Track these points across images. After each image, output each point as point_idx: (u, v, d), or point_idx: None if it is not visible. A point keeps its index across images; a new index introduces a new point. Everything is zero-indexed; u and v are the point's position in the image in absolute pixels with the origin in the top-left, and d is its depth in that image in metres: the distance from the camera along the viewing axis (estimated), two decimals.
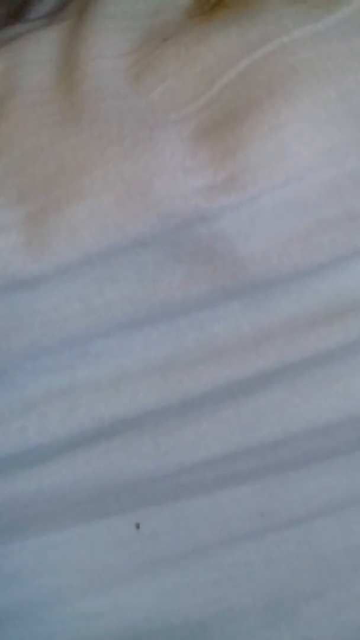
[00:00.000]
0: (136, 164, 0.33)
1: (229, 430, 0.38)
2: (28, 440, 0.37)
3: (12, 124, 0.38)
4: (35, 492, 0.39)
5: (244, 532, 0.41)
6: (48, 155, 0.35)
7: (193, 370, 0.36)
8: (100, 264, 0.34)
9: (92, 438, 0.37)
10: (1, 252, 0.34)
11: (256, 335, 0.37)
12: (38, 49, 0.41)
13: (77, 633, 0.43)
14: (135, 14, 0.42)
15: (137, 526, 0.41)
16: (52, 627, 0.43)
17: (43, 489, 0.39)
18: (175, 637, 0.42)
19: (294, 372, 0.38)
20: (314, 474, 0.39)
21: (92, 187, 0.33)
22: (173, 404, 0.37)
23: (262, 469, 0.39)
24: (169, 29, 0.39)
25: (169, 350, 0.36)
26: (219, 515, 0.41)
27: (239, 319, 0.36)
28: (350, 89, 0.32)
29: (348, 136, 0.32)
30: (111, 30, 0.41)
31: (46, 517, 0.41)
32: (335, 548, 0.40)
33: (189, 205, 0.33)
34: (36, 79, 0.40)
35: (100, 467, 0.38)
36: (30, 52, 0.41)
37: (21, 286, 0.34)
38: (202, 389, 0.37)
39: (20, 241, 0.34)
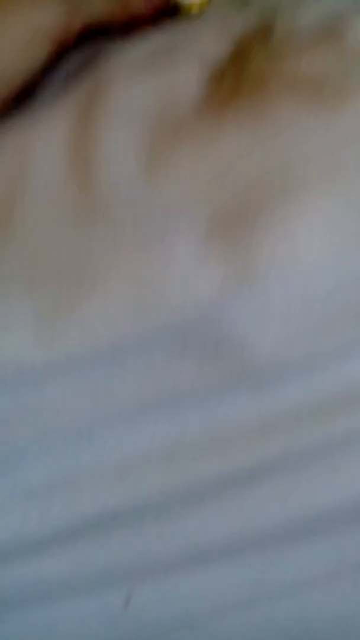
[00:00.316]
0: (149, 267, 0.34)
1: (230, 519, 0.39)
2: (29, 529, 0.37)
3: (25, 219, 0.38)
4: (31, 579, 0.39)
5: (235, 600, 0.42)
6: (62, 251, 0.36)
7: (197, 460, 0.37)
8: (110, 358, 0.35)
9: (94, 527, 0.38)
10: (12, 343, 0.34)
11: (261, 424, 0.38)
12: (48, 146, 0.41)
13: None
14: (143, 107, 0.43)
15: (128, 600, 0.41)
16: None
17: (40, 575, 0.39)
18: None
19: (297, 462, 0.39)
20: (310, 545, 0.40)
21: (105, 285, 0.34)
22: (176, 493, 0.37)
23: (259, 542, 0.40)
24: (181, 126, 0.40)
25: (173, 441, 0.37)
26: (213, 586, 0.41)
27: (245, 409, 0.37)
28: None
29: (356, 236, 0.34)
30: (122, 126, 0.42)
31: (37, 597, 0.41)
32: (326, 617, 0.41)
33: (199, 307, 0.34)
34: (48, 176, 0.41)
35: (100, 555, 0.38)
36: (40, 148, 0.41)
37: (30, 377, 0.35)
38: (205, 479, 0.38)
39: (31, 333, 0.34)
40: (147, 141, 0.40)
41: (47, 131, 0.42)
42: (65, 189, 0.39)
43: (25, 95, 0.44)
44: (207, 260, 0.34)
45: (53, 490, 0.37)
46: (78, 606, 0.41)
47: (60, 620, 0.42)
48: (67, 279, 0.35)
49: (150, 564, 0.40)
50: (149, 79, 0.44)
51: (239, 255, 0.33)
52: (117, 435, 0.37)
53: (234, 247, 0.33)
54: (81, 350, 0.34)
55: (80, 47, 0.47)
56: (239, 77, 0.40)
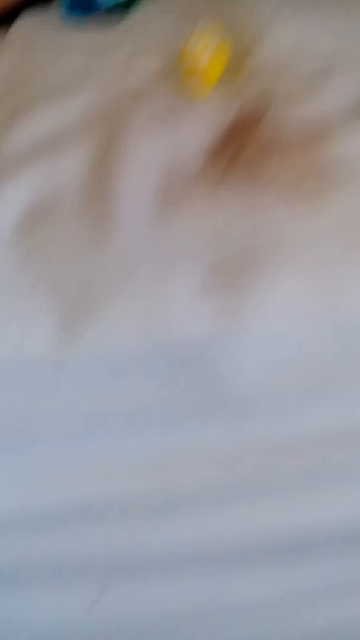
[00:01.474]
0: (154, 294, 0.39)
1: (198, 530, 0.44)
2: (29, 506, 0.42)
3: (49, 236, 0.44)
4: (20, 558, 0.44)
5: (189, 613, 0.46)
6: (80, 267, 0.41)
7: (177, 471, 0.42)
8: (117, 366, 0.39)
9: (86, 514, 0.43)
10: (37, 340, 0.39)
11: (233, 450, 0.43)
12: (72, 175, 0.48)
13: None
14: (157, 151, 0.50)
15: (101, 593, 0.45)
16: None
17: (29, 555, 0.44)
18: None
19: (262, 488, 0.43)
20: (262, 570, 0.45)
21: (118, 302, 0.39)
22: (157, 496, 0.43)
23: (220, 558, 0.45)
24: (189, 182, 0.46)
25: (158, 450, 0.42)
26: (173, 594, 0.46)
27: (221, 434, 0.42)
28: (325, 260, 0.40)
29: (325, 295, 0.39)
30: (137, 163, 0.49)
31: (19, 579, 0.45)
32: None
33: (192, 339, 0.39)
34: (71, 202, 0.47)
35: (86, 542, 0.43)
36: (65, 177, 0.48)
37: (49, 371, 0.39)
38: (183, 489, 0.43)
39: (54, 333, 0.39)
40: (160, 188, 0.47)
41: (72, 162, 0.49)
42: (86, 210, 0.45)
43: None
44: (202, 302, 0.39)
45: (54, 474, 0.42)
46: (54, 596, 0.46)
47: (34, 608, 0.46)
48: (85, 290, 0.40)
49: (126, 560, 0.45)
50: (162, 133, 0.52)
51: (229, 302, 0.38)
52: (114, 435, 0.42)
53: (226, 295, 0.39)
54: (95, 352, 0.39)
55: None
56: (233, 160, 0.46)
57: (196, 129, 0.51)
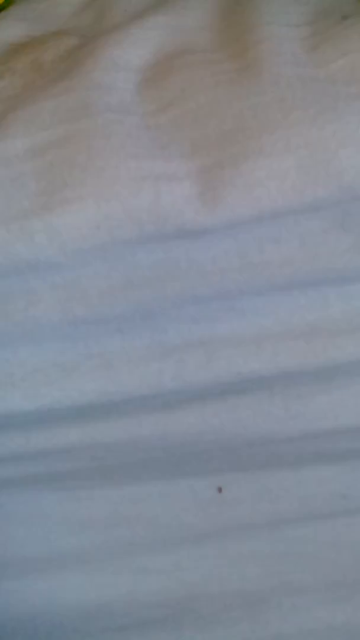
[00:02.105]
0: (321, 131, 0.33)
1: (357, 404, 0.39)
2: (162, 385, 0.38)
3: (183, 78, 0.38)
4: (153, 437, 0.40)
5: (321, 511, 0.42)
6: (225, 111, 0.36)
7: (335, 340, 0.37)
8: (267, 223, 0.35)
9: (224, 391, 0.38)
10: (175, 201, 0.34)
11: None
12: (200, 13, 0.42)
13: (133, 587, 0.44)
14: None
15: (220, 490, 0.43)
16: (107, 578, 0.45)
17: (165, 434, 0.40)
18: (230, 605, 0.44)
19: None
20: None
21: (273, 147, 0.34)
22: (309, 369, 0.38)
23: (353, 451, 0.40)
24: (346, 7, 0.40)
25: (314, 318, 0.37)
26: (301, 491, 0.42)
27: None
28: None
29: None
30: (281, 1, 0.42)
31: (132, 467, 0.42)
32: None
33: None
34: (202, 41, 0.41)
35: (227, 422, 0.39)
36: (190, 18, 0.43)
37: (185, 235, 0.35)
38: (342, 359, 0.37)
39: (193, 192, 0.34)
40: (310, 15, 0.40)
41: (197, 4, 0.43)
42: (224, 52, 0.39)
43: None
44: None
45: (189, 350, 0.38)
46: (169, 489, 0.42)
47: (149, 503, 0.43)
48: (231, 141, 0.35)
49: (249, 451, 0.40)
50: None
51: None
52: (258, 304, 0.37)
53: None
54: (243, 212, 0.34)
55: None
56: None
57: None
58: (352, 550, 0.43)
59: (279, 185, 0.33)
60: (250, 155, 0.34)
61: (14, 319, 0.37)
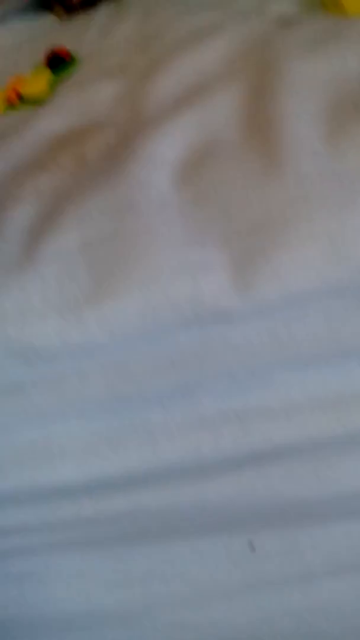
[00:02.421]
0: (342, 223, 0.36)
1: None
2: (202, 456, 0.40)
3: (214, 174, 0.42)
4: (192, 503, 0.42)
5: (349, 564, 0.44)
6: (254, 205, 0.39)
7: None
8: (295, 305, 0.37)
9: (258, 459, 0.40)
10: (211, 289, 0.37)
11: None
12: (228, 112, 0.46)
13: None
14: (318, 75, 0.46)
15: (252, 546, 0.44)
16: (146, 633, 0.46)
17: (203, 500, 0.42)
18: None
19: None
20: None
21: (299, 240, 0.36)
22: (338, 435, 0.40)
23: None
24: (358, 97, 0.43)
25: (339, 389, 0.39)
26: (330, 546, 0.43)
27: None
28: None
29: None
30: (298, 90, 0.45)
31: (171, 527, 0.44)
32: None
33: None
34: (229, 137, 0.45)
35: (261, 487, 0.41)
36: (220, 114, 0.46)
37: (221, 319, 0.38)
38: None
39: (227, 280, 0.37)
40: (326, 104, 0.43)
41: (224, 101, 0.47)
42: (249, 148, 0.43)
43: None
44: None
45: (225, 422, 0.40)
46: (203, 547, 0.44)
47: (185, 560, 0.44)
48: (260, 233, 0.37)
49: (309, 505, 0.42)
50: (320, 59, 0.48)
51: None
52: (288, 377, 0.39)
53: None
54: (272, 297, 0.36)
55: None
56: None
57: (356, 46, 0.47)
58: None
59: (305, 274, 0.36)
60: (278, 247, 0.37)
61: (67, 397, 0.40)
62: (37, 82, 0.63)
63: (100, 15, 0.78)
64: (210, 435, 0.40)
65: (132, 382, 0.40)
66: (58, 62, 0.66)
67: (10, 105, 0.63)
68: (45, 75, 0.64)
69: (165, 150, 0.45)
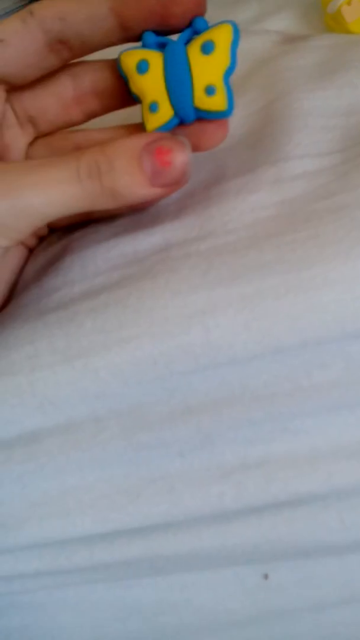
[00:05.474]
0: (355, 265, 0.35)
1: None
2: (224, 506, 0.39)
3: (221, 209, 0.41)
4: (212, 548, 0.41)
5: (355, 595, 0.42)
6: (264, 244, 0.38)
7: None
8: (313, 349, 0.36)
9: (281, 506, 0.39)
10: (223, 333, 0.36)
11: None
12: (227, 140, 0.44)
13: None
14: (329, 111, 0.45)
15: (266, 577, 0.42)
16: None
17: (223, 545, 0.40)
18: None
19: None
20: None
21: (312, 282, 0.35)
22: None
23: None
24: None
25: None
26: (346, 576, 0.42)
27: None
28: None
29: None
30: (311, 128, 0.44)
31: (182, 560, 0.42)
32: None
33: None
34: (235, 169, 0.43)
35: (283, 534, 0.39)
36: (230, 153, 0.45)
37: (236, 362, 0.37)
38: None
39: (239, 322, 0.36)
40: (338, 142, 0.42)
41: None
42: (256, 182, 0.41)
43: None
44: None
45: (247, 471, 0.38)
46: (216, 577, 0.42)
47: (196, 590, 0.43)
48: (271, 273, 0.36)
49: (331, 547, 0.40)
50: (328, 87, 0.46)
51: None
52: (310, 425, 0.38)
53: None
54: (288, 341, 0.35)
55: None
56: None
57: None
58: None
59: (320, 318, 0.35)
60: (290, 288, 0.36)
61: (82, 447, 0.39)
62: None
63: None
64: (231, 485, 0.39)
65: (148, 429, 0.39)
66: None
67: None
68: None
69: None
